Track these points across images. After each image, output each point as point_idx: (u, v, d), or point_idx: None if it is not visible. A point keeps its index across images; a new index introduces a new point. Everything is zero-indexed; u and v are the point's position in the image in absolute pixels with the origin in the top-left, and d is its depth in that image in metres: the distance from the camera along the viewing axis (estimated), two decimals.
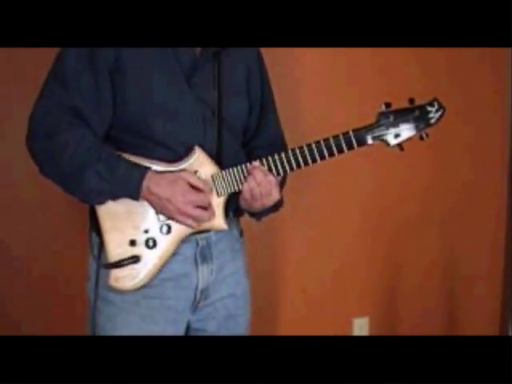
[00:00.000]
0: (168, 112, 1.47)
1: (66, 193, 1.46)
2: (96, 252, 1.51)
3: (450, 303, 2.72)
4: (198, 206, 1.45)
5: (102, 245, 1.49)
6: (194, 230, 1.49)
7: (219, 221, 1.50)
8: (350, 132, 1.46)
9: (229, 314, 1.59)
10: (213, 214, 1.47)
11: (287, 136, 1.73)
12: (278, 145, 1.67)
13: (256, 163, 1.48)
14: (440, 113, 1.46)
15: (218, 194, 1.49)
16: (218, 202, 1.49)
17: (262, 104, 1.67)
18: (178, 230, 1.48)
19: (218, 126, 1.52)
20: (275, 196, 1.51)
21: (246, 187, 1.48)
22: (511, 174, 2.75)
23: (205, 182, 1.46)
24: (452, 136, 2.52)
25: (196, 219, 1.45)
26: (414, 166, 2.49)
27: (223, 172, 1.48)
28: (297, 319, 2.44)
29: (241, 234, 1.67)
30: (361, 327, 2.56)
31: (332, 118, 2.34)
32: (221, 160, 1.51)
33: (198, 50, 1.50)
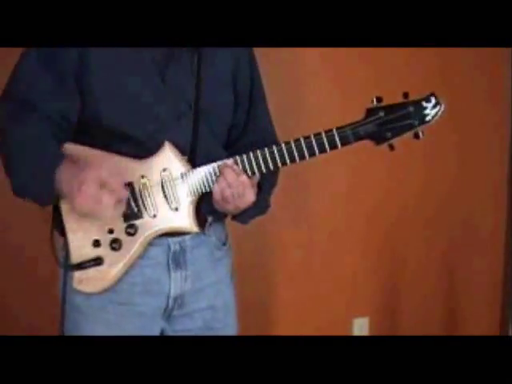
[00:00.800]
0: (137, 105, 1.40)
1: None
2: (61, 253, 1.43)
3: (450, 303, 2.72)
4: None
5: (66, 245, 1.41)
6: (161, 232, 1.41)
7: (190, 221, 1.40)
8: (334, 130, 1.36)
9: (206, 326, 1.50)
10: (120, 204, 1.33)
11: (283, 136, 1.69)
12: (269, 142, 1.54)
13: (229, 162, 1.38)
14: (437, 109, 1.35)
15: (187, 193, 1.40)
16: (187, 202, 1.40)
17: (251, 100, 1.57)
18: (145, 231, 1.40)
19: (195, 121, 1.43)
20: (249, 198, 1.40)
21: (216, 188, 1.38)
22: (511, 173, 2.75)
23: (118, 181, 1.31)
24: (450, 134, 2.52)
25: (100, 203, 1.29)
26: (410, 164, 2.50)
27: (193, 171, 1.39)
28: (297, 319, 2.44)
29: (224, 242, 1.56)
30: (361, 327, 2.56)
31: (329, 116, 2.33)
32: (195, 157, 1.42)
33: None
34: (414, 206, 2.59)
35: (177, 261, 1.45)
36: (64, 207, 1.40)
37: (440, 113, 1.35)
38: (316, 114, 2.36)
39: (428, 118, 1.35)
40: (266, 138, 1.56)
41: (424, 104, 1.35)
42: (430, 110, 1.34)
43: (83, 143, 1.40)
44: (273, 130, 1.64)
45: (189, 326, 1.50)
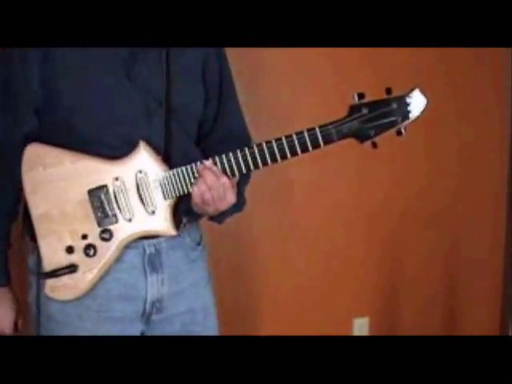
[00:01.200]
0: (105, 106, 1.34)
1: None
2: (32, 259, 1.39)
3: (450, 304, 2.72)
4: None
5: (38, 251, 1.36)
6: (137, 236, 1.36)
7: (167, 225, 1.35)
8: (316, 128, 1.30)
9: (184, 330, 1.46)
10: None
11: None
12: (240, 138, 1.52)
13: (208, 163, 1.32)
14: (420, 105, 1.28)
15: (164, 196, 1.34)
16: (164, 205, 1.34)
17: (221, 94, 1.51)
18: (120, 236, 1.34)
19: (166, 118, 1.37)
20: (230, 200, 1.35)
21: (195, 191, 1.32)
22: (511, 174, 2.75)
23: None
24: (450, 135, 2.52)
25: None
26: (410, 163, 2.49)
27: (170, 172, 1.33)
28: (297, 319, 2.44)
29: (198, 242, 1.52)
30: (361, 327, 2.56)
31: (328, 117, 2.33)
32: (170, 156, 1.37)
33: None
34: (414, 207, 2.58)
35: (152, 264, 1.41)
36: (35, 212, 1.35)
37: (423, 108, 1.29)
38: (315, 114, 2.35)
39: (411, 115, 1.29)
40: (236, 134, 1.52)
41: (407, 100, 1.29)
42: (414, 106, 1.28)
43: (56, 144, 1.36)
44: (244, 126, 1.57)
45: (167, 330, 1.46)
